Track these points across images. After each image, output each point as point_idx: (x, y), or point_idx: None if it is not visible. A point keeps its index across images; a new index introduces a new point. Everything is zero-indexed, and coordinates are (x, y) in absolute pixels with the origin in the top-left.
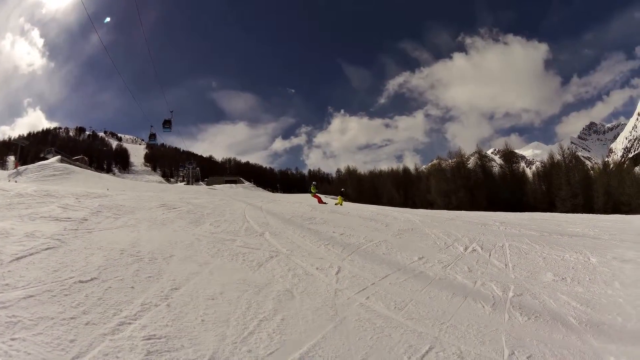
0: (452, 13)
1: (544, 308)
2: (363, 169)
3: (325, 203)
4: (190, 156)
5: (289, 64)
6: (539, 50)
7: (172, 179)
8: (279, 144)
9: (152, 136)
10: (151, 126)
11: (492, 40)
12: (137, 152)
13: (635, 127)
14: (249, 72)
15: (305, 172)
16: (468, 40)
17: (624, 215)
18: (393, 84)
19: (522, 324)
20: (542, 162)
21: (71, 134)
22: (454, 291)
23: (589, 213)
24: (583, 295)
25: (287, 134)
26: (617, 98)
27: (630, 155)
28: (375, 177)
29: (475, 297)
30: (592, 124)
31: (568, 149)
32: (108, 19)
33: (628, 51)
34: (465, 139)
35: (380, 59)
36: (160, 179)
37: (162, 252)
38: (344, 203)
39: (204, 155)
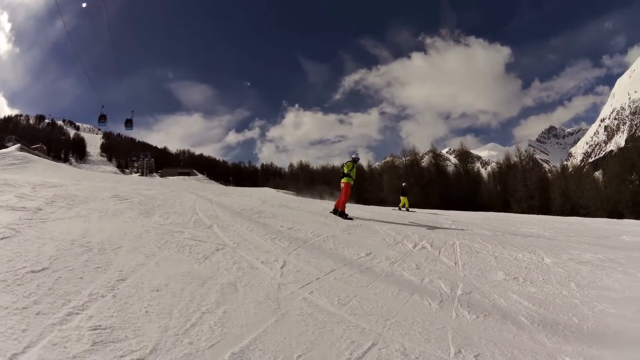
0: (415, 11)
1: (494, 307)
2: (316, 164)
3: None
4: (146, 147)
5: (246, 57)
6: (501, 53)
7: (126, 170)
8: (233, 137)
9: (102, 117)
10: (102, 106)
11: (454, 41)
12: (94, 142)
13: (597, 133)
14: (206, 63)
15: (258, 165)
16: (428, 40)
17: (582, 218)
18: (349, 81)
19: (470, 322)
20: (498, 163)
21: (31, 121)
22: (400, 288)
23: (546, 214)
24: (536, 295)
25: (241, 127)
26: (580, 104)
27: (590, 160)
28: (328, 173)
29: (422, 294)
30: (551, 127)
31: (525, 151)
32: (85, 4)
33: (595, 59)
34: (419, 138)
35: (339, 54)
36: (115, 169)
37: (111, 243)
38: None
39: (159, 147)
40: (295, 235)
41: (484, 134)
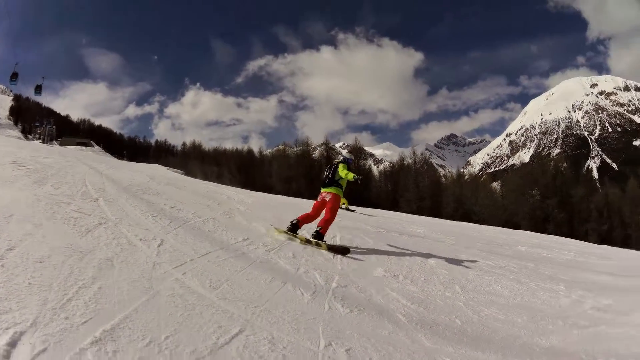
0: (335, 6)
1: (370, 302)
2: (208, 145)
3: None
4: (50, 113)
5: (158, 30)
6: (413, 58)
7: (29, 136)
8: (132, 110)
9: (14, 76)
10: (16, 64)
11: (367, 40)
12: (3, 104)
13: (500, 146)
14: (119, 31)
15: (153, 141)
16: (341, 36)
17: (475, 224)
18: (254, 65)
19: (343, 315)
20: (391, 163)
21: None
22: (273, 275)
23: (436, 217)
24: (416, 295)
25: (141, 101)
26: (486, 117)
27: (489, 171)
28: (220, 155)
29: (296, 284)
30: (452, 135)
31: (422, 154)
32: None
33: (512, 77)
34: (315, 130)
35: (250, 38)
36: (20, 134)
37: (3, 210)
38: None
39: (62, 114)
40: (176, 214)
41: (381, 132)
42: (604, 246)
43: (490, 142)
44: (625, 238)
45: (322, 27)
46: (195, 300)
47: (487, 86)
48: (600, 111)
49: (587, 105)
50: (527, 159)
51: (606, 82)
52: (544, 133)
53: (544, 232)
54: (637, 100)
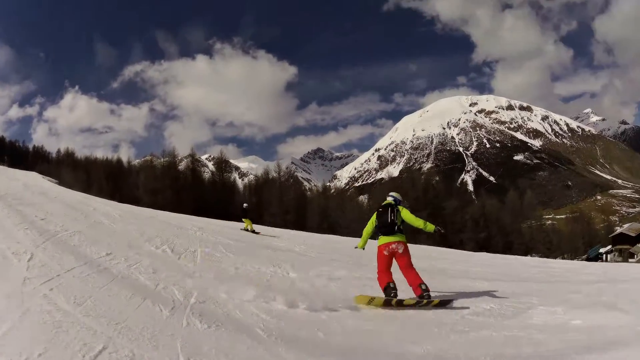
0: (218, 13)
1: (228, 318)
2: (81, 153)
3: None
4: None
5: (47, 23)
6: (287, 72)
7: None
8: (15, 112)
9: None
10: None
11: (243, 51)
12: None
13: (368, 160)
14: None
15: (31, 147)
16: (218, 46)
17: (344, 237)
18: (131, 70)
19: (201, 331)
20: (256, 176)
21: None
22: (134, 291)
23: (301, 230)
24: (266, 308)
25: (24, 102)
26: (355, 132)
27: (356, 184)
28: (90, 164)
29: (155, 300)
30: (319, 149)
31: (287, 168)
32: None
33: (386, 94)
34: (182, 140)
35: (131, 41)
36: None
37: None
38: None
39: None
40: (46, 227)
41: (247, 145)
42: (482, 253)
43: (358, 156)
44: (506, 245)
45: (202, 35)
46: (61, 317)
47: (359, 102)
48: (478, 128)
49: (465, 122)
50: (396, 173)
51: (487, 102)
52: (415, 148)
53: (415, 243)
54: (521, 118)
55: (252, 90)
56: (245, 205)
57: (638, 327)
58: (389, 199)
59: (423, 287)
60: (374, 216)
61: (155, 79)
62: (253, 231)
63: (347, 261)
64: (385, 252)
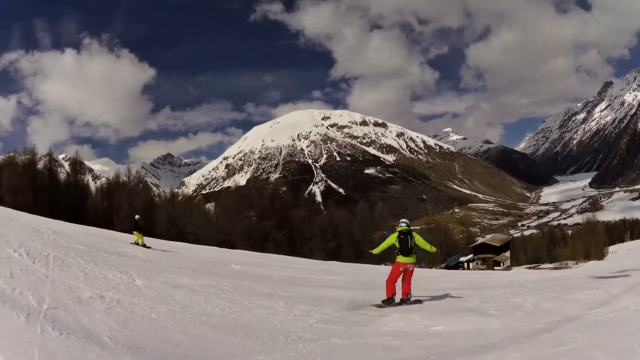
0: (94, 5)
1: (78, 325)
2: None
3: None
4: None
5: None
6: (145, 74)
7: None
8: None
9: None
10: None
11: (108, 49)
12: None
13: (216, 168)
14: None
15: None
16: (87, 41)
17: (190, 244)
18: (6, 58)
19: (54, 338)
20: (108, 179)
21: None
22: None
23: (151, 237)
24: (122, 316)
25: None
26: (205, 139)
27: (204, 192)
28: None
29: (13, 305)
30: (169, 155)
31: (137, 172)
32: None
33: (238, 104)
34: (44, 137)
35: (13, 27)
36: None
37: None
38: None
39: None
40: None
41: (101, 147)
42: (333, 262)
43: (206, 164)
44: (358, 254)
45: (75, 28)
46: None
47: (211, 109)
48: (329, 141)
49: (315, 135)
50: (243, 182)
51: (341, 116)
52: (263, 158)
53: (263, 251)
54: (375, 134)
55: (111, 91)
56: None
57: (508, 332)
58: (403, 225)
59: (409, 296)
60: (395, 238)
61: (26, 69)
62: (144, 245)
63: (192, 268)
64: (402, 269)
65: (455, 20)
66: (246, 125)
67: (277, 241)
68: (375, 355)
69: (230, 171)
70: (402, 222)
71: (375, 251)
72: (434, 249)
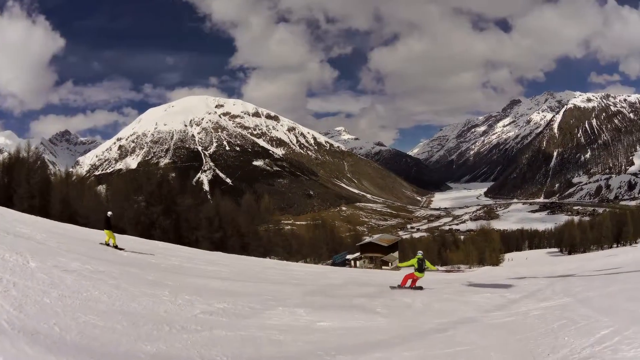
0: None
1: None
2: None
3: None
4: None
5: None
6: (56, 43)
7: None
8: None
9: None
10: None
11: (27, 13)
12: None
13: (110, 149)
14: None
15: None
16: (10, 2)
17: (81, 228)
18: None
19: None
20: (10, 154)
21: None
22: None
23: (46, 217)
24: (17, 300)
25: None
26: (102, 118)
27: (97, 173)
28: None
29: None
30: (67, 132)
31: (36, 148)
32: None
33: (137, 84)
34: None
35: None
36: None
37: None
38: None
39: None
40: None
41: (5, 118)
42: (218, 253)
43: (101, 143)
44: (243, 246)
45: None
46: None
47: (111, 87)
48: (220, 130)
49: (207, 122)
50: (134, 165)
51: (234, 105)
52: (155, 142)
53: (150, 238)
54: (266, 126)
55: (23, 58)
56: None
57: (397, 331)
58: (420, 255)
59: (407, 285)
60: (415, 261)
61: None
62: (116, 247)
63: (82, 253)
64: (415, 277)
65: (364, 23)
66: (142, 107)
67: (165, 228)
68: (261, 349)
69: (123, 153)
70: (419, 252)
71: (400, 265)
72: (435, 268)
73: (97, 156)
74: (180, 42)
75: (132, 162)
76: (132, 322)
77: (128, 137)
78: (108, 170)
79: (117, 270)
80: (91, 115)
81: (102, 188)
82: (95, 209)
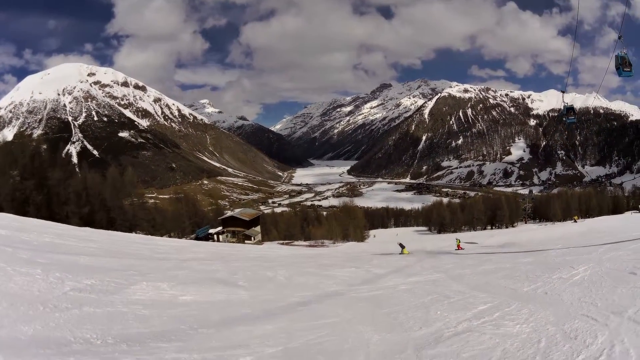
0: None
1: None
2: None
3: None
4: None
5: None
6: None
7: None
8: None
9: None
10: None
11: None
12: None
13: None
14: None
15: None
16: None
17: None
18: None
19: None
20: None
21: None
22: None
23: None
24: None
25: None
26: None
27: None
28: None
29: None
30: None
31: None
32: None
33: (21, 48)
34: None
35: None
36: None
37: None
38: None
39: None
40: None
41: None
42: (87, 229)
43: None
44: (110, 221)
45: None
46: None
47: None
48: (90, 99)
49: (79, 91)
50: (11, 137)
51: (105, 74)
52: (30, 112)
53: (25, 215)
54: (133, 96)
55: None
56: None
57: (260, 304)
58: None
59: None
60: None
61: None
62: None
63: None
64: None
65: None
66: (22, 74)
67: (37, 204)
68: (128, 325)
69: (1, 124)
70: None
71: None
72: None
73: None
74: (63, 5)
75: (8, 133)
76: (11, 303)
77: (6, 107)
78: None
79: None
80: None
81: None
82: None
